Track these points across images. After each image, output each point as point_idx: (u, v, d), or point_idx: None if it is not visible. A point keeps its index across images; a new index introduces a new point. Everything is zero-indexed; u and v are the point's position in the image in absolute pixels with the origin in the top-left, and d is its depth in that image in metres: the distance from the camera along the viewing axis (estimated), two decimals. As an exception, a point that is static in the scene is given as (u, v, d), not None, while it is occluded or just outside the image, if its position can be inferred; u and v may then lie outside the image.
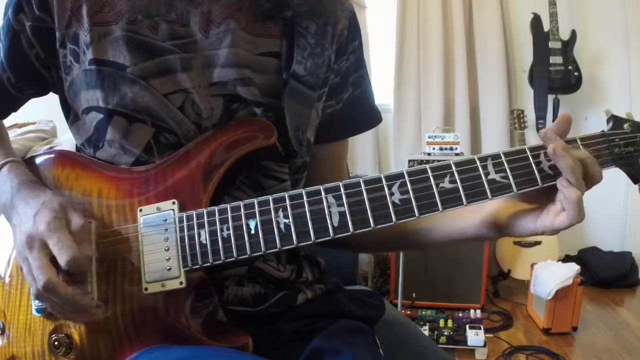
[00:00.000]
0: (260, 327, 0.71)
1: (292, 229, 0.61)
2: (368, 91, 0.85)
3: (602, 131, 0.65)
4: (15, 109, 0.81)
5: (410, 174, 0.61)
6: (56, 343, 0.65)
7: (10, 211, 0.67)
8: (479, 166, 0.61)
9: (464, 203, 0.60)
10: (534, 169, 0.61)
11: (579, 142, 0.63)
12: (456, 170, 0.61)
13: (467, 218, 0.71)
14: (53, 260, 0.60)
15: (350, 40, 0.81)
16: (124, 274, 0.64)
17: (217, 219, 0.63)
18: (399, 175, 0.61)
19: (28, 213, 0.63)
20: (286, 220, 0.61)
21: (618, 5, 2.98)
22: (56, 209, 0.62)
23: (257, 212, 0.62)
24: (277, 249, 0.61)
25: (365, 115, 0.86)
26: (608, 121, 0.66)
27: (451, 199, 0.60)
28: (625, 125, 0.65)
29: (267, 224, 0.62)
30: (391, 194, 0.60)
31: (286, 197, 0.62)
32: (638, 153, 0.64)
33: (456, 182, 0.60)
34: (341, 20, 0.79)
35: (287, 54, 0.73)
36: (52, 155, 0.74)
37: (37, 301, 0.66)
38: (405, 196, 0.60)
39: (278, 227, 0.61)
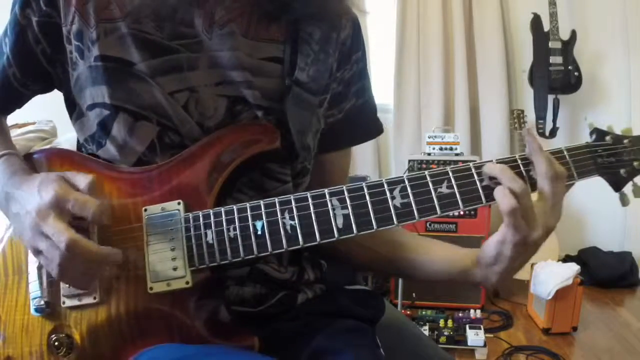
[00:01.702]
0: (261, 326, 0.72)
1: (298, 230, 0.62)
2: (370, 102, 0.86)
3: (587, 142, 0.69)
4: (19, 106, 0.81)
5: (410, 179, 0.63)
6: (56, 343, 0.65)
7: (6, 202, 0.66)
8: (474, 173, 0.64)
9: (461, 207, 0.63)
10: (525, 177, 0.64)
11: (565, 152, 0.66)
12: (453, 176, 0.63)
13: (461, 256, 0.73)
14: (70, 224, 0.60)
15: (353, 50, 0.81)
16: (128, 273, 0.64)
17: (223, 220, 0.63)
18: (400, 181, 0.63)
19: (26, 195, 0.63)
20: (292, 222, 0.62)
21: (618, 6, 2.97)
22: (56, 179, 0.62)
23: (263, 213, 0.63)
24: (283, 249, 0.62)
25: (366, 126, 0.87)
26: (591, 134, 0.71)
27: (448, 203, 0.63)
28: (607, 138, 0.69)
29: (274, 224, 0.63)
30: (392, 198, 0.63)
31: (292, 199, 0.63)
32: (619, 163, 0.68)
33: (453, 188, 0.63)
34: (345, 29, 0.79)
35: (290, 59, 0.73)
36: (50, 153, 0.74)
37: (36, 300, 0.66)
38: (406, 200, 0.63)
39: (284, 228, 0.62)
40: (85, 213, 0.60)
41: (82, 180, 0.63)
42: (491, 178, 0.63)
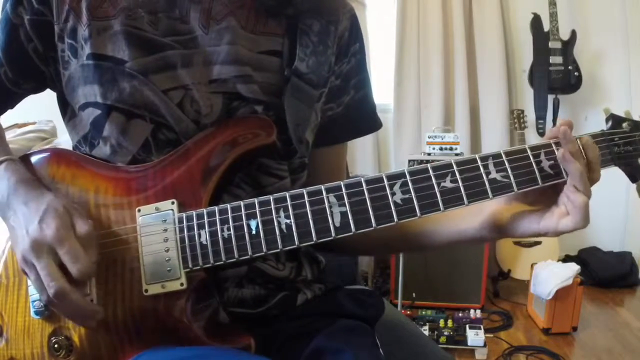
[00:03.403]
0: (260, 327, 0.71)
1: (294, 229, 0.61)
2: (369, 96, 0.85)
3: (602, 130, 0.65)
4: (12, 105, 0.80)
5: (411, 173, 0.61)
6: (56, 345, 0.65)
7: (7, 210, 0.65)
8: (480, 165, 0.61)
9: (465, 203, 0.60)
10: (535, 168, 0.61)
11: (578, 142, 0.63)
12: (457, 169, 0.61)
13: (468, 220, 0.71)
14: (61, 267, 0.59)
15: (351, 43, 0.80)
16: (123, 275, 0.63)
17: (217, 219, 0.62)
18: (401, 175, 0.61)
19: (29, 216, 0.62)
20: (287, 221, 0.61)
21: (618, 6, 2.97)
22: (61, 215, 0.61)
23: (258, 212, 0.62)
24: (278, 250, 0.61)
25: (365, 120, 0.86)
26: (607, 120, 0.66)
27: (452, 199, 0.60)
28: (624, 124, 0.65)
29: (269, 224, 0.61)
30: (393, 194, 0.60)
31: (287, 196, 0.62)
32: (637, 152, 0.64)
33: (457, 182, 0.60)
34: (342, 22, 0.79)
35: (289, 52, 0.73)
36: (48, 154, 0.73)
37: (36, 302, 0.66)
38: (407, 196, 0.60)
39: (279, 227, 0.61)
40: (71, 267, 0.59)
41: (81, 227, 0.61)
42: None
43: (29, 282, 0.67)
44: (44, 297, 0.60)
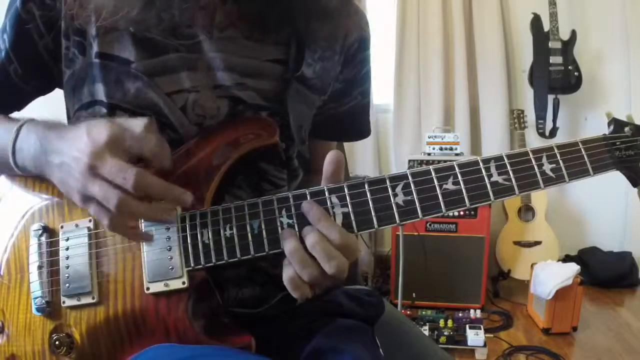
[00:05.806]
0: (260, 327, 0.71)
1: (296, 229, 0.61)
2: (368, 105, 0.87)
3: (604, 134, 0.66)
4: (19, 107, 0.80)
5: (414, 175, 0.61)
6: (57, 342, 0.65)
7: (45, 157, 0.63)
8: (482, 168, 0.61)
9: (467, 204, 0.61)
10: (537, 171, 0.62)
11: (580, 146, 0.63)
12: (459, 172, 0.61)
13: None
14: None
15: (360, 51, 0.81)
16: (125, 273, 0.64)
17: (220, 219, 0.63)
18: (403, 176, 0.61)
19: (73, 141, 0.59)
20: (290, 221, 0.61)
21: (618, 6, 2.97)
22: (107, 122, 0.59)
23: (261, 212, 0.62)
24: (280, 250, 0.61)
25: (360, 126, 0.89)
26: (609, 124, 0.67)
27: (454, 201, 0.61)
28: (626, 129, 0.66)
29: (271, 224, 0.62)
30: (395, 195, 0.61)
31: (290, 197, 0.62)
32: (638, 156, 0.65)
33: (459, 184, 0.61)
34: (352, 34, 0.79)
35: (296, 58, 0.73)
36: None
37: (37, 299, 0.66)
38: (409, 197, 0.61)
39: (282, 227, 0.61)
40: (145, 149, 0.58)
41: (137, 123, 0.59)
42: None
43: (31, 279, 0.68)
44: (115, 199, 0.56)
